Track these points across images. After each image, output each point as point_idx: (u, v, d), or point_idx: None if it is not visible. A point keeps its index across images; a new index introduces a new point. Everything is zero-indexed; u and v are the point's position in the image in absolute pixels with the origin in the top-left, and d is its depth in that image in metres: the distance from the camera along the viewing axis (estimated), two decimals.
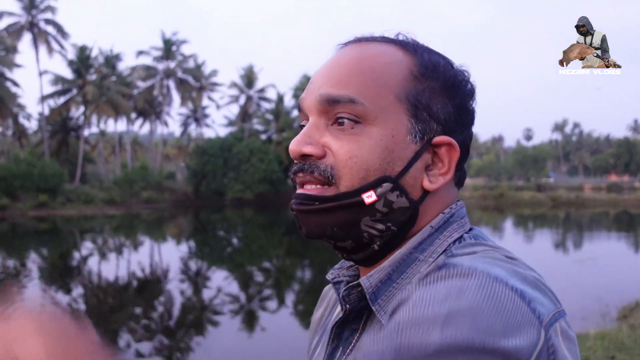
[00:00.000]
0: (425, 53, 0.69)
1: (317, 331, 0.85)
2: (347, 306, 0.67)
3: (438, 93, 0.67)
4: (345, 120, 0.64)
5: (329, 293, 0.88)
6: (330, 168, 0.65)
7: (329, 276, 0.76)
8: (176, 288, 11.95)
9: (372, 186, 0.64)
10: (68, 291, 11.48)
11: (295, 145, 0.66)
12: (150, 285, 12.59)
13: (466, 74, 0.71)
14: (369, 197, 0.64)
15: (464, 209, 0.70)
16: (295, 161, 0.68)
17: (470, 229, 0.69)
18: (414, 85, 0.66)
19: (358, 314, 0.68)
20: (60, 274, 13.84)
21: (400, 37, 0.71)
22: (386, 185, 0.64)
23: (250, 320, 9.31)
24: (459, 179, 0.71)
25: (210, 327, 8.88)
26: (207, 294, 11.59)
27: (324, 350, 0.73)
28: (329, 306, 0.86)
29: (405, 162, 0.65)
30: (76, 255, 17.85)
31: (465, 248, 0.63)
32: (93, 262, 15.88)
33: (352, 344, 0.67)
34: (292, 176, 0.68)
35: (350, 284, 0.67)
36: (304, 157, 0.66)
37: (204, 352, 7.58)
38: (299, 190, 0.67)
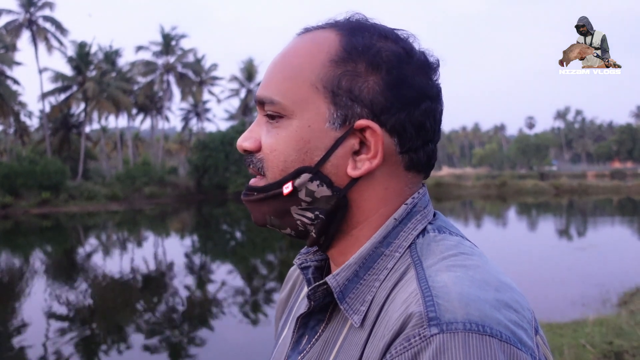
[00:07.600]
0: (357, 33, 0.66)
1: (284, 312, 0.88)
2: (313, 303, 0.68)
3: (363, 74, 0.64)
4: (274, 115, 0.67)
5: (294, 274, 0.90)
6: (260, 161, 0.68)
7: (296, 261, 0.78)
8: (181, 283, 12.02)
9: (292, 177, 0.66)
10: (73, 287, 11.57)
11: (239, 141, 0.71)
12: (155, 280, 12.66)
13: (408, 47, 0.67)
14: (287, 187, 0.66)
15: (427, 196, 0.70)
16: None
17: (435, 215, 0.70)
18: (332, 70, 0.65)
19: (324, 306, 0.69)
20: (65, 270, 13.93)
21: (355, 18, 0.69)
22: (304, 176, 0.65)
23: (255, 313, 9.39)
24: (410, 162, 0.67)
25: (215, 321, 8.96)
26: (211, 287, 11.66)
27: (290, 336, 0.74)
28: (296, 287, 0.88)
29: (324, 151, 0.65)
30: (80, 251, 17.95)
31: (430, 253, 0.63)
32: (97, 258, 15.97)
33: (318, 333, 0.69)
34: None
35: (316, 284, 0.67)
36: (246, 151, 0.70)
37: (209, 346, 7.64)
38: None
